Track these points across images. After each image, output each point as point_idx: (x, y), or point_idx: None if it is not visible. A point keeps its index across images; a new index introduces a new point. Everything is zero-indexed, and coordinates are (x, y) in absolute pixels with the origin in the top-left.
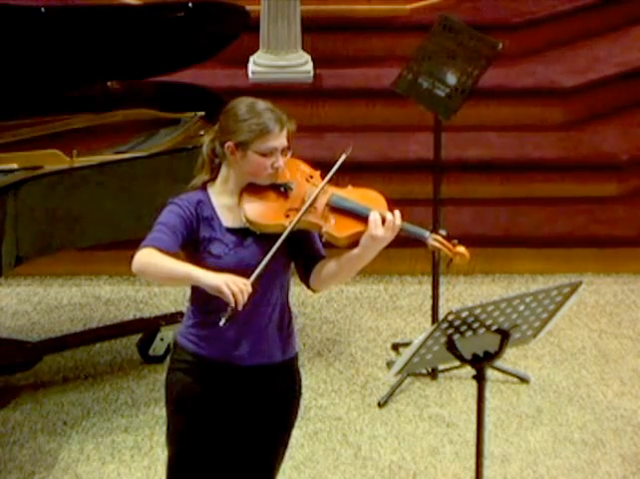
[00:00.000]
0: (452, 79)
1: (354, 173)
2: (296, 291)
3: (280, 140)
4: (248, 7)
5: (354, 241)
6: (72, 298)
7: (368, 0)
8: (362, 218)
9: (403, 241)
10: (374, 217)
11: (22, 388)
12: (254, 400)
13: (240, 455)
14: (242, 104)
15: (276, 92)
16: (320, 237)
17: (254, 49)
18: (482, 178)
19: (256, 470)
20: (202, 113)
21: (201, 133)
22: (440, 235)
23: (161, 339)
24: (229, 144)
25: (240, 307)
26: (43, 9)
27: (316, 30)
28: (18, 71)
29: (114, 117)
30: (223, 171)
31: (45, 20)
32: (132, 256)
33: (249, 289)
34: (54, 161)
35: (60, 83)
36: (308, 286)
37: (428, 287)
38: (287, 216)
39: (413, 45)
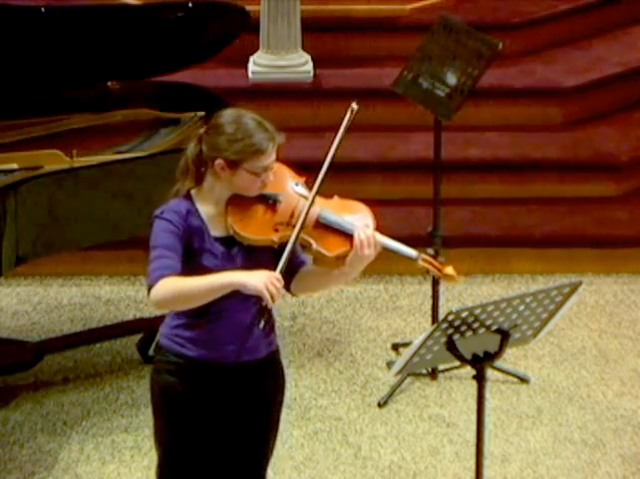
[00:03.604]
0: (452, 79)
1: (354, 173)
2: None
3: (272, 157)
4: (248, 7)
5: (341, 259)
6: (72, 298)
7: (368, 0)
8: (349, 236)
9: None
10: (359, 237)
11: (22, 388)
12: (241, 397)
13: (230, 452)
14: (232, 121)
15: (276, 92)
16: (306, 251)
17: (254, 49)
18: (482, 178)
19: (247, 465)
20: (202, 113)
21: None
22: (428, 254)
23: None
24: (220, 161)
25: (272, 306)
26: (43, 9)
27: (316, 30)
28: (18, 71)
29: (114, 117)
30: (209, 180)
31: (45, 20)
32: (148, 288)
33: (282, 285)
34: (54, 161)
35: (60, 83)
36: (288, 290)
37: (428, 287)
38: (276, 230)
39: (413, 45)
